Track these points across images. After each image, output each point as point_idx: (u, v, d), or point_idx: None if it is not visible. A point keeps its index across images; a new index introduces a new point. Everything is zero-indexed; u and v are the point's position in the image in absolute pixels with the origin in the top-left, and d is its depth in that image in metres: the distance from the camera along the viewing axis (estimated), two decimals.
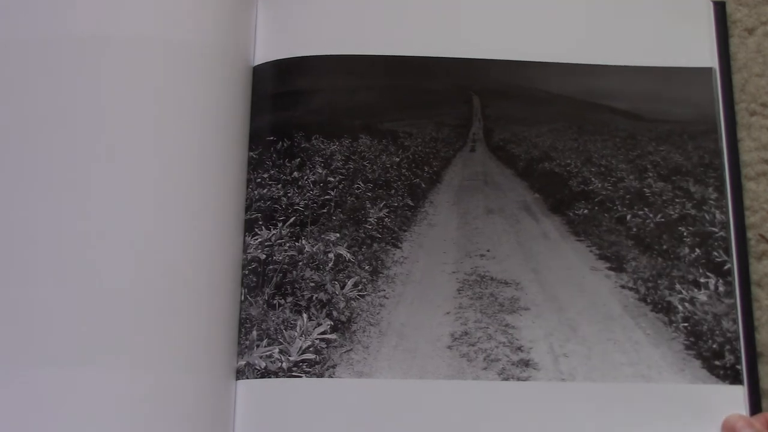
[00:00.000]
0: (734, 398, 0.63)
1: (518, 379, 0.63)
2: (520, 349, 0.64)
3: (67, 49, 0.67)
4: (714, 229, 0.68)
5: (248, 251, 0.67)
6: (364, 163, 0.70)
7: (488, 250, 0.68)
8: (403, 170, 0.71)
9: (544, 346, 0.64)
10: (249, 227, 0.68)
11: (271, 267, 0.66)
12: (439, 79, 0.72)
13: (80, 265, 0.63)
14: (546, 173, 0.72)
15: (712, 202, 0.68)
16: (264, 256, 0.67)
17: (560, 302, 0.65)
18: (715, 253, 0.67)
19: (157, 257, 0.63)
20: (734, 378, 0.63)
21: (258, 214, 0.68)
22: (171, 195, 0.65)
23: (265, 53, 0.73)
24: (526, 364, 0.63)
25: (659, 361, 0.63)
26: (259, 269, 0.67)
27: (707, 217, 0.68)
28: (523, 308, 0.65)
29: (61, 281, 0.62)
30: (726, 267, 0.66)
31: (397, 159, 0.71)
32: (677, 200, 0.69)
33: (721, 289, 0.66)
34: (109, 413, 0.60)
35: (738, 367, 0.64)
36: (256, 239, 0.67)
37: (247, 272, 0.66)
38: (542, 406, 0.62)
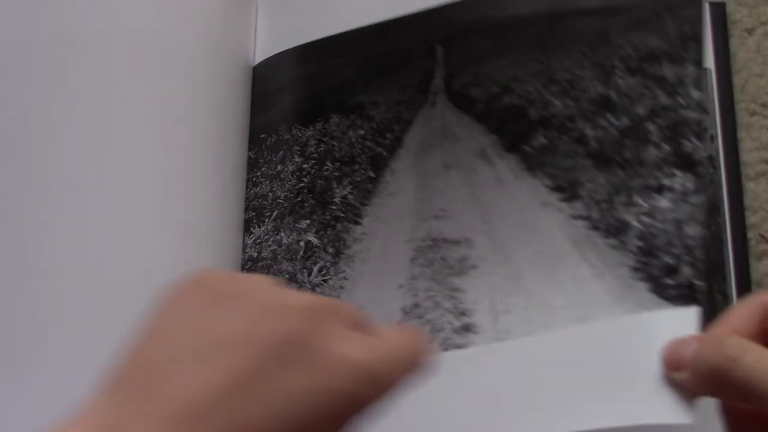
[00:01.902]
0: (684, 321, 0.50)
1: (457, 347, 0.58)
2: (463, 313, 0.59)
3: (66, 48, 0.67)
4: (688, 112, 0.57)
5: (246, 251, 0.68)
6: (333, 143, 0.69)
7: (443, 210, 0.63)
8: (367, 142, 0.68)
9: (487, 306, 0.58)
10: (247, 227, 0.69)
11: (260, 264, 0.68)
12: (405, 38, 0.68)
13: (79, 264, 0.62)
14: (504, 108, 0.64)
15: (688, 79, 0.58)
16: (256, 254, 0.68)
17: (508, 252, 0.59)
18: (686, 141, 0.57)
19: (157, 258, 0.63)
20: (689, 297, 0.52)
21: (253, 213, 0.69)
22: (170, 195, 0.65)
23: (264, 53, 0.73)
24: (467, 329, 0.58)
25: (601, 296, 0.55)
26: (254, 268, 0.68)
27: (681, 101, 0.58)
28: (471, 267, 0.60)
29: (59, 281, 0.61)
30: (699, 156, 0.56)
31: (362, 132, 0.68)
32: (647, 92, 0.59)
33: (690, 185, 0.56)
34: None
35: (695, 282, 0.53)
36: (251, 238, 0.69)
37: (245, 272, 0.68)
38: (477, 372, 0.57)
